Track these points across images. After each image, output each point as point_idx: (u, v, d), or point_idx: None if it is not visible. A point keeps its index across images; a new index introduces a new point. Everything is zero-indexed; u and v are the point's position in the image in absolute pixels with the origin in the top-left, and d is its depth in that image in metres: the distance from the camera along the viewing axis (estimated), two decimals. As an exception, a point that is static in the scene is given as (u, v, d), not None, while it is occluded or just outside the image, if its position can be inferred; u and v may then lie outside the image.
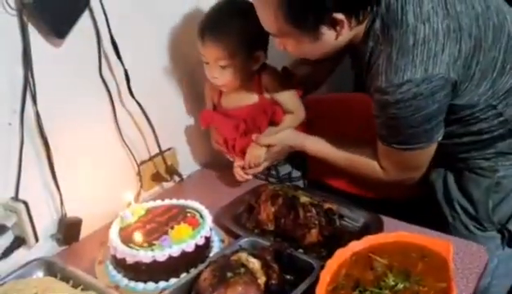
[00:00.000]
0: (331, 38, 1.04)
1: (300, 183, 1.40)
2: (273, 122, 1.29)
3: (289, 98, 1.28)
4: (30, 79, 1.02)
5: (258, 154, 1.28)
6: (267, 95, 1.28)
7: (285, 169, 1.39)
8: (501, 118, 1.10)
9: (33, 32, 1.01)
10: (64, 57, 1.08)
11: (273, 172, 1.39)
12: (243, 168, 1.30)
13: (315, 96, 1.50)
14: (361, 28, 1.05)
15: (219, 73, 1.20)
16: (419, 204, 1.48)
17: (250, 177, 1.32)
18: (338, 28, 1.02)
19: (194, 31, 1.36)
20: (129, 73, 1.18)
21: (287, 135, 1.29)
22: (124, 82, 1.19)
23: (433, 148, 1.10)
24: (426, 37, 0.98)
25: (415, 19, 0.99)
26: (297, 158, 1.36)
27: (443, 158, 1.20)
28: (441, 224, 1.23)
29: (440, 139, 1.09)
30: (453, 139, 1.14)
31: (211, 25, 1.18)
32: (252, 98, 1.28)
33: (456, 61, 1.00)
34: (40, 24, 1.02)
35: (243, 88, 1.26)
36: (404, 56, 0.98)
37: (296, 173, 1.40)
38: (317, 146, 1.26)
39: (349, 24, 1.01)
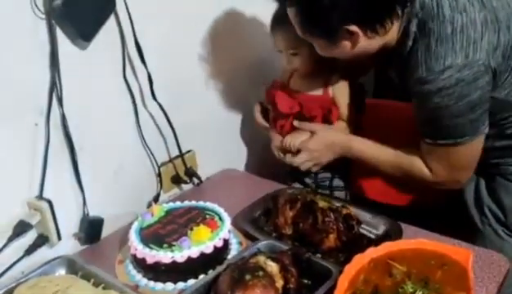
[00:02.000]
0: (347, 47, 1.06)
1: (342, 194, 1.40)
2: (327, 121, 1.32)
3: (347, 107, 1.32)
4: (57, 81, 1.04)
5: (296, 138, 1.30)
6: (330, 93, 1.32)
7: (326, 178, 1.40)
8: None
9: (60, 35, 1.04)
10: (89, 60, 1.10)
11: (312, 181, 1.40)
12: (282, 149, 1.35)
13: (373, 101, 1.50)
14: (393, 34, 1.06)
15: (289, 60, 1.29)
16: (441, 212, 1.47)
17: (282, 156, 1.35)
18: (353, 38, 1.03)
19: (218, 34, 1.39)
20: (152, 76, 1.20)
21: (332, 130, 1.29)
22: (147, 85, 1.21)
23: (479, 142, 1.08)
24: (464, 25, 0.99)
25: (452, 10, 1.00)
26: (340, 167, 1.37)
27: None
28: (462, 233, 1.22)
29: (487, 131, 1.07)
30: (487, 142, 1.12)
31: (278, 17, 1.25)
32: (316, 90, 1.33)
33: (496, 50, 1.00)
34: (67, 27, 1.04)
35: (311, 78, 1.32)
36: (443, 44, 0.99)
37: (338, 182, 1.40)
38: (363, 146, 1.24)
39: (365, 34, 1.02)
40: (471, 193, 1.24)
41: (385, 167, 1.22)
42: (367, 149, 1.23)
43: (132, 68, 1.19)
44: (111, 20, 1.11)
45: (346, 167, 1.39)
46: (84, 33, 1.06)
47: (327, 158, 1.29)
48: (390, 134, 1.35)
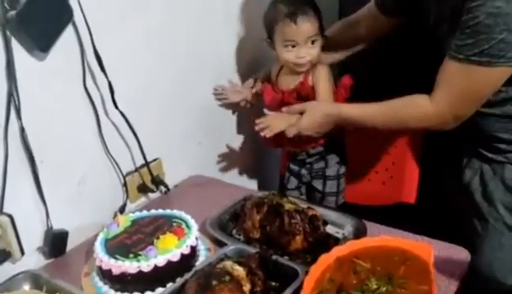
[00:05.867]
0: None
1: (335, 183, 1.48)
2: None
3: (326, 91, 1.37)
4: (14, 93, 1.02)
5: (278, 124, 1.32)
6: (310, 81, 1.38)
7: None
8: None
9: (16, 46, 1.02)
10: (48, 71, 1.08)
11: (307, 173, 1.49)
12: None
13: None
14: None
15: (307, 50, 1.33)
16: (406, 210, 1.50)
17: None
18: None
19: (178, 40, 1.39)
20: (113, 84, 1.19)
21: (320, 103, 1.31)
22: (109, 94, 1.19)
23: (504, 75, 1.07)
24: None
25: None
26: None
27: (480, 146, 1.20)
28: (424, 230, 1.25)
29: None
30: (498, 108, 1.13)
31: (299, 6, 1.30)
32: (298, 81, 1.39)
33: None
34: (23, 39, 1.02)
35: (296, 74, 1.39)
36: None
37: (330, 172, 1.47)
38: (354, 108, 1.26)
39: None
40: (478, 188, 1.23)
41: (379, 120, 1.22)
42: (356, 110, 1.25)
43: (93, 77, 1.18)
44: (69, 30, 1.10)
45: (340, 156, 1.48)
46: (41, 43, 1.04)
47: (323, 129, 1.32)
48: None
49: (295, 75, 1.40)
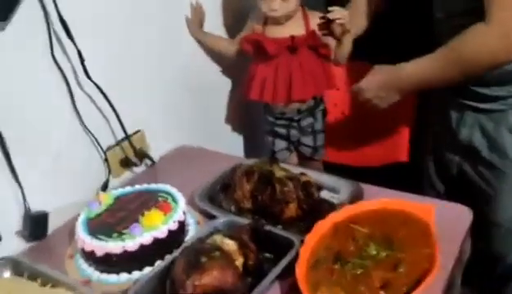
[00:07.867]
0: None
1: (322, 136, 1.49)
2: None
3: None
4: (-25, 67, 0.94)
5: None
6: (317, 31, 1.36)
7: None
8: None
9: (-29, 16, 0.93)
10: (10, 41, 0.99)
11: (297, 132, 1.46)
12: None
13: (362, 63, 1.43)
14: None
15: (279, 3, 1.29)
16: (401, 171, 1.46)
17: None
18: None
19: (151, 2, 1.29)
20: (84, 53, 1.10)
21: (382, 68, 1.21)
22: (79, 64, 1.11)
23: None
24: None
25: None
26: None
27: (472, 98, 1.15)
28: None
29: None
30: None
31: None
32: (298, 31, 1.36)
33: None
34: (-22, 7, 0.93)
35: (289, 20, 1.35)
36: None
37: (319, 126, 1.47)
38: (415, 65, 1.14)
39: None
40: (482, 142, 1.18)
41: (444, 66, 1.10)
42: (419, 65, 1.14)
43: (61, 45, 1.09)
44: (30, -5, 1.01)
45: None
46: (-1, 12, 0.96)
47: (388, 99, 1.22)
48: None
49: (285, 23, 1.35)
